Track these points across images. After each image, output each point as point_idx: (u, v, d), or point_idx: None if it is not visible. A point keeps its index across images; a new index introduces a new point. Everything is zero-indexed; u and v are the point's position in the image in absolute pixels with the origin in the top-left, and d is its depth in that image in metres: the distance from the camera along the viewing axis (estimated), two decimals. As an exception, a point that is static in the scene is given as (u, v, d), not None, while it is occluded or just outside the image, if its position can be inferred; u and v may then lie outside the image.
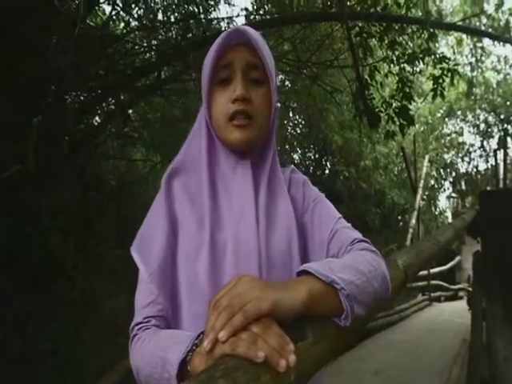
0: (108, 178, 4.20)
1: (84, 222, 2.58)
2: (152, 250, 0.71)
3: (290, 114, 8.17)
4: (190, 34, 3.81)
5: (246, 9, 4.98)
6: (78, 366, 2.07)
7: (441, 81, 4.28)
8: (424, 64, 4.52)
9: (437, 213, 12.68)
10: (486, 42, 7.11)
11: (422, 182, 7.87)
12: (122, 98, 3.75)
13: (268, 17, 5.05)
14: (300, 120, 8.54)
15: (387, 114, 4.41)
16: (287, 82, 6.65)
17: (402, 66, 4.49)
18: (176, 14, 4.09)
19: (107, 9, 4.28)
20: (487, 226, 2.67)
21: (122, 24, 4.53)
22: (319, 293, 0.53)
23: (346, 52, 4.81)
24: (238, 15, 4.84)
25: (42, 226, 1.99)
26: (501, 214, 2.58)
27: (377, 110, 4.46)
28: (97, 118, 4.32)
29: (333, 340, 0.57)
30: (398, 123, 4.35)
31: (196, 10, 4.06)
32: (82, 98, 3.55)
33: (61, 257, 2.00)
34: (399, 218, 9.74)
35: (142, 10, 4.15)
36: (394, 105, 4.42)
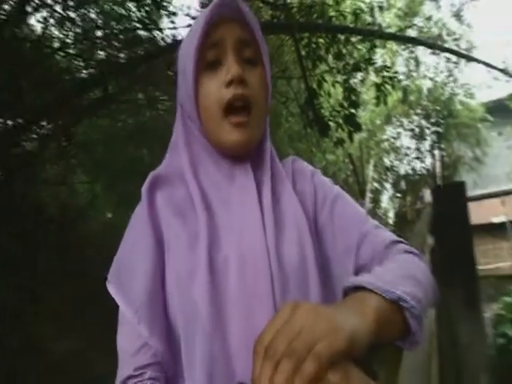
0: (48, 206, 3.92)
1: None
2: (135, 280, 0.56)
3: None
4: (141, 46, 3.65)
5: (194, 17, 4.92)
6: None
7: (383, 88, 4.53)
8: (367, 72, 4.76)
9: (381, 213, 13.34)
10: (418, 52, 7.74)
11: (368, 185, 8.21)
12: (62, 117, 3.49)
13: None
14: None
15: (336, 122, 4.58)
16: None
17: (348, 75, 4.69)
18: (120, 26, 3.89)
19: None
20: (441, 220, 2.78)
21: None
22: (386, 315, 0.43)
23: (294, 64, 4.92)
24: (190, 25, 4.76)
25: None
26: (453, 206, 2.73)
27: (325, 118, 4.63)
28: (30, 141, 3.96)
29: (397, 367, 0.50)
30: (346, 130, 4.53)
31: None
32: (15, 120, 3.26)
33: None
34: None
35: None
36: (342, 113, 4.61)
